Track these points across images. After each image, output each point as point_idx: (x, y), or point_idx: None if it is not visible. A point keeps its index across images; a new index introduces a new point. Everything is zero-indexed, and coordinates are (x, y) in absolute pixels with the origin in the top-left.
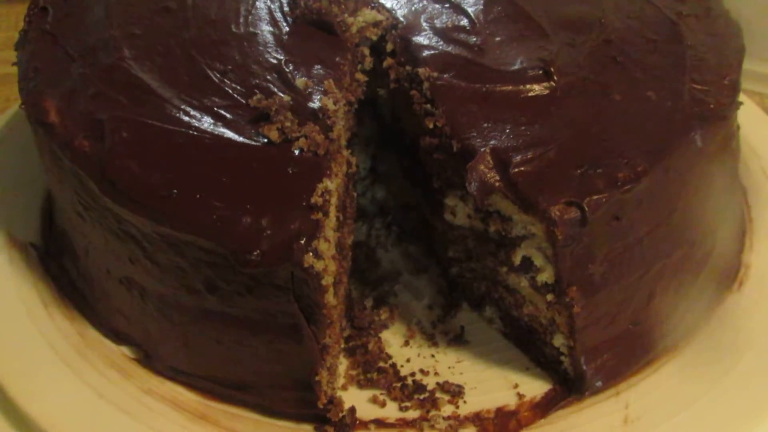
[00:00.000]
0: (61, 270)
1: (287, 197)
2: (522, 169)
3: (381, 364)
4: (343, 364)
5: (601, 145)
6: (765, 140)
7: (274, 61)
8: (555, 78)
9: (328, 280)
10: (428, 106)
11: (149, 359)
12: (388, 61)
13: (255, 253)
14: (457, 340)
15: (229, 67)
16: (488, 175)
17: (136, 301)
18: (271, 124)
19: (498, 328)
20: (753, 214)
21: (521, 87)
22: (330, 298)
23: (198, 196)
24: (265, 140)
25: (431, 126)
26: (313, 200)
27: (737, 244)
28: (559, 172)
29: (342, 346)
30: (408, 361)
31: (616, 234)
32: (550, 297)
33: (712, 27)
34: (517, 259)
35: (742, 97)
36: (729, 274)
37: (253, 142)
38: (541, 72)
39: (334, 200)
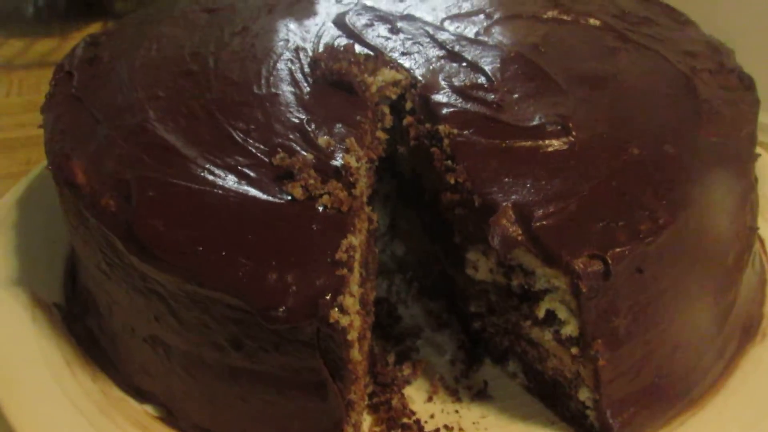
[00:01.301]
0: (85, 329)
1: (312, 253)
2: (544, 223)
3: (405, 420)
4: (366, 421)
5: (622, 199)
6: None
7: (296, 121)
8: (573, 133)
9: (353, 336)
10: (449, 162)
11: (173, 417)
12: (407, 119)
13: (281, 309)
14: (481, 395)
15: (252, 126)
16: (511, 230)
17: (161, 359)
18: (295, 182)
19: (522, 383)
20: None
21: (540, 142)
22: (355, 354)
23: (223, 253)
24: (289, 198)
25: (453, 182)
26: (337, 256)
27: (759, 295)
28: (581, 226)
29: (366, 402)
30: (432, 417)
31: (639, 287)
32: (574, 350)
33: (726, 81)
34: (541, 313)
35: (758, 150)
36: (752, 325)
37: (277, 200)
38: (559, 127)
39: (357, 256)
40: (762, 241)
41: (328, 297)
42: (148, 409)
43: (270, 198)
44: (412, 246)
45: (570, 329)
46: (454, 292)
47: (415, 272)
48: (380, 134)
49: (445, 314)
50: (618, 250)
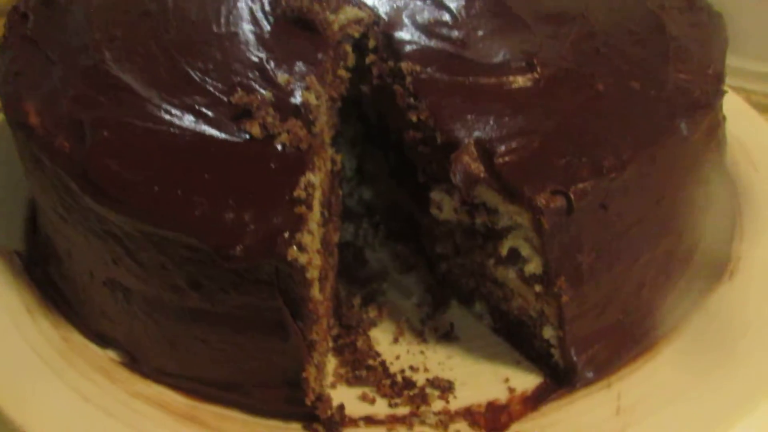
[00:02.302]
0: (46, 276)
1: (270, 191)
2: (506, 159)
3: (370, 361)
4: (331, 363)
5: (586, 135)
6: (752, 133)
7: (256, 59)
8: (538, 69)
9: (313, 274)
10: (411, 99)
11: (135, 362)
12: (370, 58)
13: (238, 247)
14: (447, 336)
15: (211, 66)
16: (473, 166)
17: (121, 303)
18: (253, 120)
19: (488, 324)
20: (742, 206)
21: (504, 79)
22: (316, 293)
23: (179, 192)
24: (247, 136)
25: (415, 119)
26: (296, 194)
27: (727, 235)
28: (544, 162)
29: (330, 345)
30: (397, 358)
31: (603, 223)
32: (538, 288)
33: (695, 18)
34: (504, 251)
35: (728, 93)
36: (719, 265)
37: (235, 139)
38: (524, 64)
39: (318, 194)
40: (732, 182)
41: (286, 235)
42: (111, 354)
43: (228, 137)
44: (380, 190)
45: (533, 267)
46: (421, 234)
47: (383, 216)
48: (342, 72)
49: (412, 257)
50: (581, 185)
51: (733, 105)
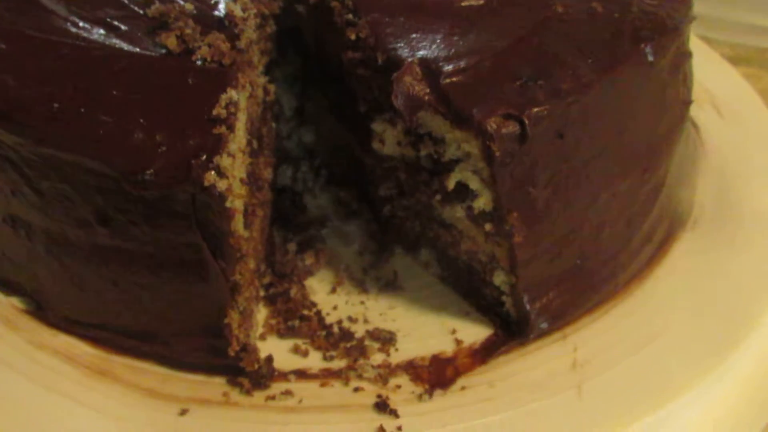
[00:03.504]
0: None
1: (186, 110)
2: (454, 80)
3: (304, 312)
4: (262, 314)
5: (543, 56)
6: (717, 78)
7: None
8: None
9: (234, 204)
10: (350, 16)
11: (41, 310)
12: None
13: (148, 172)
14: (390, 286)
15: None
16: (416, 88)
17: (23, 242)
18: (170, 32)
19: (435, 273)
20: (707, 151)
21: None
22: (239, 227)
23: (82, 110)
24: (163, 51)
25: (354, 37)
26: (215, 112)
27: (690, 182)
28: (496, 84)
29: (261, 294)
30: (335, 308)
31: (560, 154)
32: (488, 227)
33: None
34: (451, 185)
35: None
36: (683, 211)
37: (148, 53)
38: None
39: (242, 116)
40: (697, 128)
41: (203, 158)
42: (15, 302)
43: (141, 51)
44: (321, 132)
45: (483, 202)
46: (364, 177)
47: (324, 159)
48: None
49: (355, 203)
50: (536, 110)
51: (696, 49)
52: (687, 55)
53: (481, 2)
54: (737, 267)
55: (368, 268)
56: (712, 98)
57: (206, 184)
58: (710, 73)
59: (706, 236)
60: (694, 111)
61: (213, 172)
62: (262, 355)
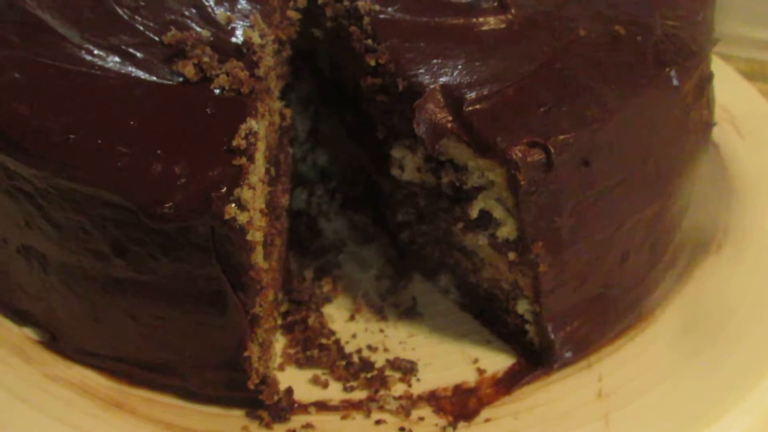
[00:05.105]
0: None
1: (205, 140)
2: (477, 107)
3: (323, 340)
4: (279, 343)
5: (566, 82)
6: (737, 98)
7: None
8: (512, 11)
9: (255, 236)
10: (369, 42)
11: (55, 341)
12: None
13: (167, 205)
14: (409, 313)
15: (141, 3)
16: (439, 115)
17: (37, 274)
18: (187, 60)
19: (454, 299)
20: (728, 172)
21: (474, 20)
22: (259, 259)
23: (99, 141)
24: (181, 79)
25: (373, 63)
26: (235, 143)
27: (713, 205)
28: (520, 111)
29: (278, 322)
30: (354, 336)
31: (585, 181)
32: (512, 255)
33: None
34: (474, 213)
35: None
36: (706, 236)
37: (166, 82)
38: (495, 4)
39: (261, 146)
40: (717, 148)
41: (222, 190)
42: (28, 332)
43: (157, 80)
44: (336, 154)
45: (507, 231)
46: (381, 201)
47: (339, 182)
48: (292, 14)
49: (371, 227)
50: (561, 137)
51: (716, 69)
52: (710, 77)
53: (502, 26)
54: (765, 290)
55: (386, 294)
56: (731, 117)
57: (227, 217)
58: (728, 90)
59: (731, 260)
60: (714, 130)
61: (233, 205)
62: (282, 386)
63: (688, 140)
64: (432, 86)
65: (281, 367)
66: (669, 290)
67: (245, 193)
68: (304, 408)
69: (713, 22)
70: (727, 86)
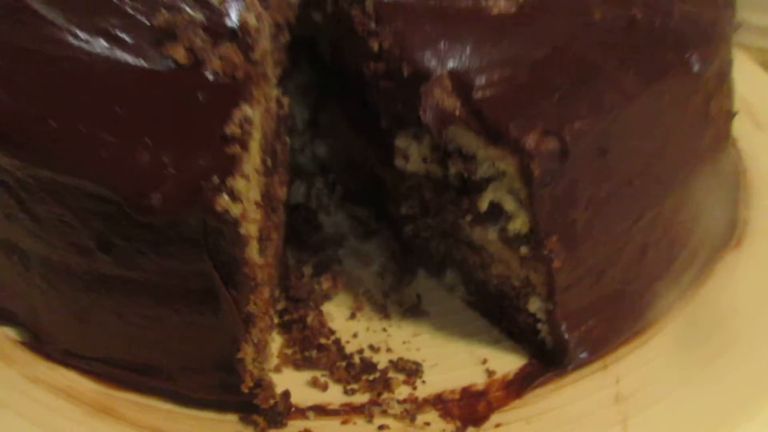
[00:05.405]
0: None
1: (196, 128)
2: (487, 93)
3: (322, 340)
4: (276, 343)
5: (582, 66)
6: (755, 89)
7: None
8: None
9: (249, 230)
10: (373, 25)
11: (38, 342)
12: None
13: (155, 196)
14: (413, 311)
15: None
16: (446, 102)
17: (18, 270)
18: (178, 43)
19: (461, 296)
20: (747, 166)
21: (483, 3)
22: (253, 254)
23: (82, 129)
24: (171, 64)
25: (376, 48)
26: (228, 130)
27: (732, 198)
28: (533, 97)
29: (275, 321)
30: (355, 336)
31: (602, 171)
32: (524, 250)
33: None
34: (483, 206)
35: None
36: (726, 230)
37: (155, 66)
38: None
39: (256, 134)
40: (734, 140)
41: (214, 180)
42: (9, 332)
43: (146, 64)
44: (336, 145)
45: (519, 224)
46: (383, 194)
47: (339, 174)
48: None
49: (373, 221)
50: (577, 124)
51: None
52: (730, 64)
53: (513, 9)
54: None
55: (389, 292)
56: (749, 107)
57: (218, 209)
58: (745, 80)
59: (752, 255)
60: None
61: (226, 196)
62: (278, 389)
63: (709, 128)
64: (439, 71)
65: (278, 369)
66: (688, 287)
67: (238, 184)
68: (301, 412)
69: (735, 6)
70: (744, 76)
